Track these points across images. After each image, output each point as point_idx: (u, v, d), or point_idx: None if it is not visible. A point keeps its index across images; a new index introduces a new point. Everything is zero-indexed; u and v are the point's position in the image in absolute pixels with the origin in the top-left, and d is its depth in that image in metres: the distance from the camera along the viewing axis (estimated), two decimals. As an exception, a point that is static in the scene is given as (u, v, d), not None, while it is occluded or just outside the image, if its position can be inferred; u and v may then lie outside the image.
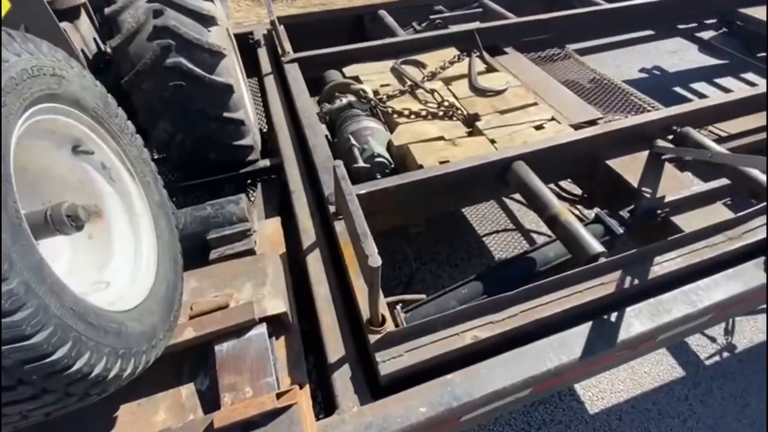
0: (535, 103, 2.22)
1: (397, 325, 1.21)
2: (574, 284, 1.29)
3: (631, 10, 3.03)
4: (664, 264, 1.35)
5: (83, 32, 1.71)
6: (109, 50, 1.63)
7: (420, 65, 2.56)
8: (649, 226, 1.67)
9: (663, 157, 1.86)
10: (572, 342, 1.22)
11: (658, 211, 1.60)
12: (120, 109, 0.93)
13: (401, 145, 1.93)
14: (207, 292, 1.19)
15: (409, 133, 2.02)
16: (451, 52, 2.64)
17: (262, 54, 2.74)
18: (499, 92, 2.29)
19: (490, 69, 2.57)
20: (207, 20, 1.63)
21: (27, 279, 0.55)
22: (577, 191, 2.21)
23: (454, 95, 2.31)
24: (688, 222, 1.61)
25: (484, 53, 2.70)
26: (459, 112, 2.16)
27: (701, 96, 4.03)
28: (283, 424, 0.96)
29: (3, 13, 0.92)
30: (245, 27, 3.26)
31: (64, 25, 1.60)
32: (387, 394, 1.11)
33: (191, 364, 1.11)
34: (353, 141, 1.86)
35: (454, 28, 2.85)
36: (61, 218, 0.72)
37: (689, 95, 4.10)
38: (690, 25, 3.54)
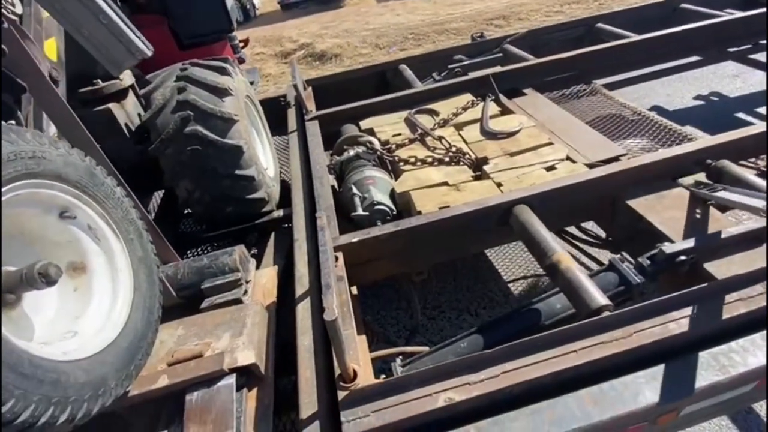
0: (550, 143, 2.14)
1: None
2: (570, 342, 1.15)
3: (664, 39, 2.87)
4: (683, 320, 1.16)
5: (128, 109, 2.03)
6: (136, 122, 1.91)
7: (433, 113, 2.62)
8: (676, 275, 1.46)
9: (695, 195, 1.66)
10: (568, 411, 1.07)
11: (683, 257, 1.40)
12: (109, 178, 1.08)
13: (403, 192, 1.94)
14: (190, 340, 1.25)
15: (413, 180, 2.04)
16: (466, 98, 2.68)
17: (291, 114, 2.99)
18: (511, 134, 2.25)
19: (505, 111, 2.55)
20: (222, 92, 1.85)
21: None
22: (602, 234, 2.03)
23: (464, 140, 2.31)
24: (725, 269, 1.39)
25: (501, 96, 2.70)
26: (467, 156, 2.14)
27: (771, 121, 3.58)
28: (231, 484, 0.95)
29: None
30: (283, 90, 3.61)
31: (111, 105, 1.92)
32: (356, 457, 1.05)
33: (169, 412, 1.15)
34: (355, 190, 1.91)
35: (471, 75, 2.90)
36: (33, 276, 0.83)
37: (755, 121, 3.66)
38: (742, 48, 3.23)
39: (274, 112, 3.09)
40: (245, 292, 1.43)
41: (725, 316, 1.16)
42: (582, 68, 2.86)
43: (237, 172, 1.86)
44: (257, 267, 1.82)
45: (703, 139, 1.84)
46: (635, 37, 2.86)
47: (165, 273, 1.43)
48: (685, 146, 1.80)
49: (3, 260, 0.85)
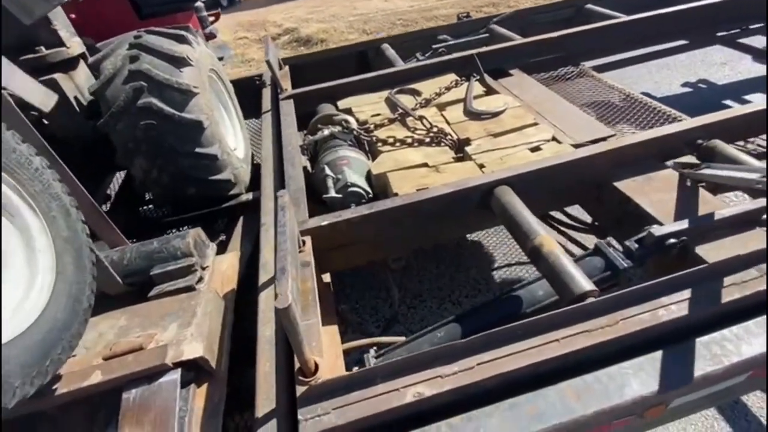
0: (535, 124, 2.03)
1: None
2: (551, 331, 1.05)
3: (653, 20, 2.77)
4: (673, 306, 1.07)
5: (78, 81, 1.85)
6: (89, 96, 1.74)
7: (416, 93, 2.49)
8: (665, 259, 1.37)
9: (685, 176, 1.58)
10: (550, 406, 0.97)
11: (672, 240, 1.31)
12: (24, 145, 0.93)
13: (380, 174, 1.82)
14: (132, 331, 1.12)
15: (391, 161, 1.91)
16: (450, 78, 2.55)
17: (265, 94, 2.83)
18: (495, 114, 2.14)
19: (490, 92, 2.44)
20: (180, 62, 1.69)
21: None
22: (588, 219, 1.94)
23: (446, 121, 2.19)
24: (716, 253, 1.30)
25: (486, 76, 2.58)
26: (448, 137, 2.02)
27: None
28: (165, 495, 0.83)
29: None
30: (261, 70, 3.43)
31: (57, 75, 1.74)
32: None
33: (107, 412, 1.03)
34: (327, 171, 1.78)
35: (455, 55, 2.77)
36: None
37: (743, 108, 3.62)
38: (731, 32, 3.16)
39: (250, 93, 2.92)
40: (200, 279, 1.30)
41: (718, 301, 1.07)
42: (570, 49, 2.75)
43: (197, 149, 1.70)
44: (224, 253, 1.69)
45: (693, 119, 1.75)
46: (623, 18, 2.76)
47: (110, 258, 1.29)
48: (674, 126, 1.71)
49: None
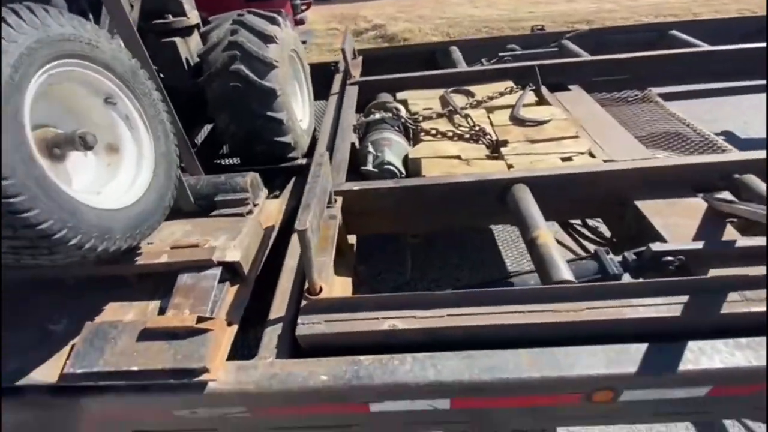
0: (575, 137, 2.10)
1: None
2: (521, 303, 1.20)
3: (738, 54, 2.64)
4: (641, 308, 1.16)
5: (191, 46, 2.29)
6: (197, 58, 2.16)
7: (469, 94, 2.64)
8: (662, 275, 1.42)
9: (715, 207, 1.58)
10: (503, 363, 1.12)
11: (669, 258, 1.37)
12: (149, 81, 1.29)
13: (415, 158, 2.03)
14: (194, 235, 1.46)
15: (428, 149, 2.11)
16: (506, 85, 2.67)
17: (336, 79, 3.15)
18: (539, 123, 2.24)
19: (542, 103, 2.52)
20: (268, 39, 2.04)
21: (23, 176, 0.86)
22: (607, 234, 1.98)
23: (491, 123, 2.33)
24: (713, 279, 1.34)
25: (543, 88, 2.66)
26: (487, 137, 2.17)
27: None
28: (195, 342, 1.12)
29: None
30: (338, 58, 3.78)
31: (176, 39, 2.18)
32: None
33: (167, 287, 1.36)
34: (370, 148, 2.03)
35: (516, 64, 2.87)
36: (74, 138, 1.06)
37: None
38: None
39: (326, 78, 3.26)
40: (249, 211, 1.62)
41: (692, 314, 1.14)
42: (636, 72, 2.72)
43: (268, 113, 2.05)
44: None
45: (734, 153, 1.72)
46: (704, 47, 2.67)
47: (188, 182, 1.65)
48: (712, 156, 1.71)
49: (55, 123, 1.07)
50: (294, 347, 1.25)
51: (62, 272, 1.32)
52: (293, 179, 2.34)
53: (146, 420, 1.26)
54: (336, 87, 3.02)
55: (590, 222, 2.12)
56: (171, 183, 1.34)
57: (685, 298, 1.16)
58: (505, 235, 2.84)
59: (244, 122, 2.08)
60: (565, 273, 1.28)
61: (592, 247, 2.11)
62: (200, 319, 1.13)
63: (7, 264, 0.96)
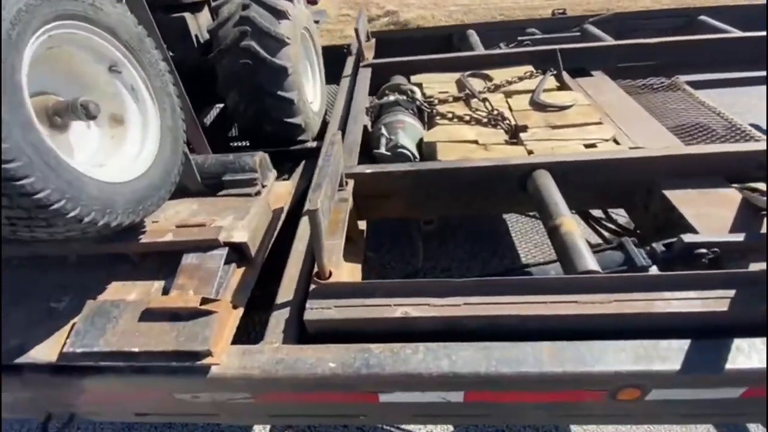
0: (599, 123, 2.00)
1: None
2: (544, 293, 1.12)
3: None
4: (674, 302, 1.07)
5: (201, 22, 2.22)
6: (207, 34, 2.09)
7: (487, 78, 2.54)
8: (692, 268, 1.33)
9: (751, 201, 1.48)
10: (523, 355, 1.05)
11: (702, 250, 1.28)
12: (156, 51, 1.22)
13: (430, 142, 1.94)
14: (200, 214, 1.41)
15: (444, 133, 2.02)
16: (525, 69, 2.56)
17: (349, 61, 3.06)
18: (560, 108, 2.13)
19: (563, 88, 2.41)
20: (280, 14, 1.95)
21: (20, 141, 0.80)
22: (630, 226, 1.88)
23: (509, 108, 2.23)
24: (750, 273, 1.25)
25: (564, 73, 2.54)
26: (506, 122, 2.08)
27: None
28: (199, 324, 1.07)
29: None
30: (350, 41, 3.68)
31: (186, 14, 2.11)
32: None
33: (171, 267, 1.30)
34: (383, 131, 1.95)
35: (537, 47, 2.75)
36: (76, 106, 1.00)
37: None
38: None
39: (337, 62, 3.16)
40: (258, 192, 1.56)
41: (727, 309, 1.06)
42: (664, 58, 2.58)
43: (279, 92, 1.97)
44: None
45: (773, 141, 1.61)
46: (735, 33, 2.52)
47: (195, 160, 1.59)
48: (746, 144, 1.60)
49: (56, 91, 1.01)
50: (302, 333, 1.19)
51: (64, 249, 1.28)
52: (303, 163, 2.28)
53: (146, 402, 1.22)
54: (348, 69, 2.93)
55: (609, 212, 2.02)
56: (177, 159, 1.28)
57: (723, 293, 1.08)
58: (519, 226, 2.75)
59: (254, 101, 2.01)
60: (591, 263, 1.20)
61: (612, 239, 2.03)
62: (204, 301, 1.08)
63: (4, 236, 0.91)
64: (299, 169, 2.21)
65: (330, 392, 1.11)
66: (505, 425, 2.03)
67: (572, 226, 1.34)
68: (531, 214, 2.86)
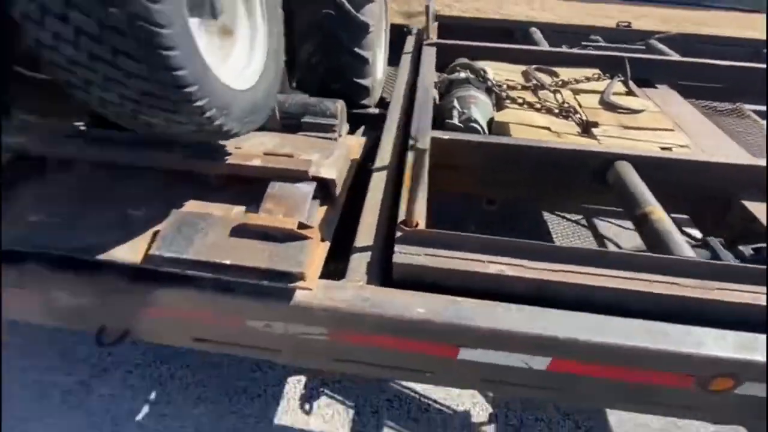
0: (672, 130, 1.97)
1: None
2: (644, 271, 1.08)
3: None
4: (779, 297, 1.05)
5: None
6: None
7: (554, 74, 2.51)
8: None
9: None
10: (619, 328, 1.02)
11: (795, 257, 1.25)
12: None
13: (503, 122, 1.91)
14: (285, 148, 1.36)
15: (514, 116, 1.99)
16: (593, 71, 2.53)
17: (409, 40, 3.03)
18: (633, 111, 2.11)
19: (631, 94, 2.38)
20: (367, -29, 1.92)
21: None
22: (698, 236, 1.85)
23: (578, 104, 2.20)
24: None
25: (630, 81, 2.51)
26: (578, 115, 2.05)
27: None
28: (293, 248, 1.04)
29: None
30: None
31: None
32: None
33: (251, 196, 1.25)
34: (456, 104, 1.92)
35: (606, 53, 2.73)
36: (204, 1, 0.97)
37: None
38: None
39: (395, 43, 3.12)
40: (335, 139, 1.52)
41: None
42: (732, 83, 2.56)
43: (356, 49, 1.94)
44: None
45: None
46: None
47: (277, 97, 1.55)
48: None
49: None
50: (384, 277, 1.16)
51: (151, 159, 1.24)
52: (362, 127, 2.24)
53: (213, 326, 1.19)
54: (409, 47, 2.90)
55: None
56: (277, 84, 1.25)
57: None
58: (561, 229, 2.72)
59: (329, 56, 1.97)
60: (687, 250, 1.17)
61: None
62: (301, 225, 1.04)
63: (121, 115, 0.87)
64: (359, 132, 2.18)
65: (412, 339, 1.07)
66: (526, 416, 2.00)
67: (663, 214, 1.31)
68: (574, 218, 2.84)
